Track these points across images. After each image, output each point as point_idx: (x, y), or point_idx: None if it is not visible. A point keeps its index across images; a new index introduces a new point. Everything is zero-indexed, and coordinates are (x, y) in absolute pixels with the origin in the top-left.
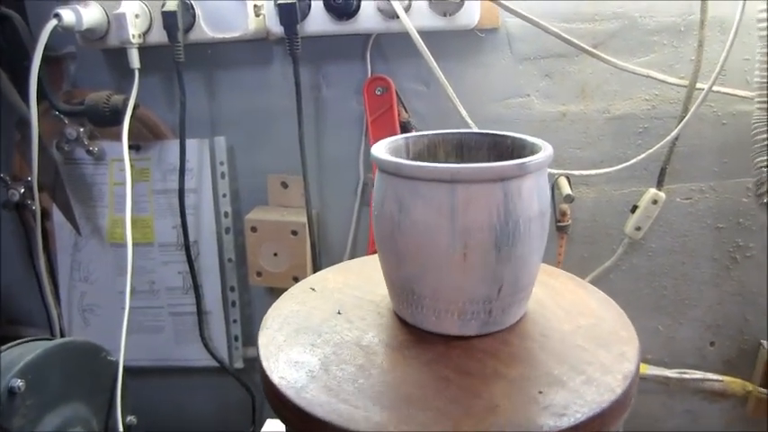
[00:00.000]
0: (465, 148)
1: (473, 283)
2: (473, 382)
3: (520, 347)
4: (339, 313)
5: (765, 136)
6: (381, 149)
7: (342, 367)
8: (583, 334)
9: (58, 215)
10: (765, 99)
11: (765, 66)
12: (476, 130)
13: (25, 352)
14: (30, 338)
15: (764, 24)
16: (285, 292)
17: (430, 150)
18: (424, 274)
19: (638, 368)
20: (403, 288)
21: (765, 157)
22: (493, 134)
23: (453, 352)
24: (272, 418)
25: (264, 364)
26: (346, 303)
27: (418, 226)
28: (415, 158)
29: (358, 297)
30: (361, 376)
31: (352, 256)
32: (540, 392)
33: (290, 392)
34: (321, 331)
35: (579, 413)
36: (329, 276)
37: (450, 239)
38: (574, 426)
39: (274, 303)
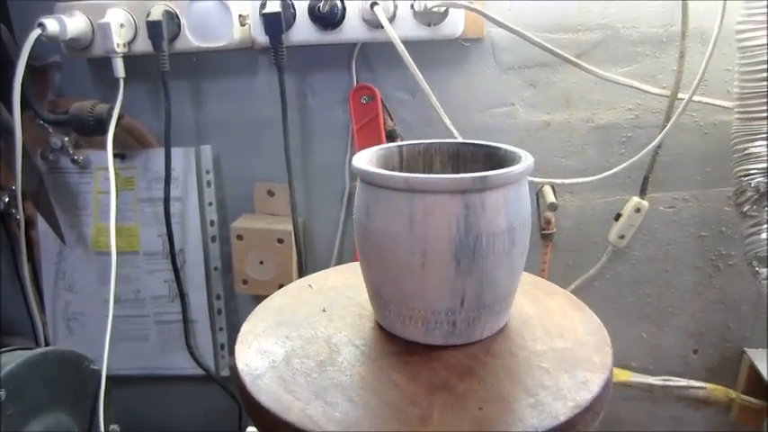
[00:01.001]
0: (461, 158)
1: (433, 292)
2: (418, 390)
3: (481, 362)
4: (324, 311)
5: (744, 146)
6: (366, 157)
7: (303, 361)
8: (553, 356)
9: (42, 224)
10: (745, 109)
11: (744, 76)
12: (472, 140)
13: (6, 362)
14: (11, 348)
15: (743, 36)
16: (283, 287)
17: (425, 159)
18: (389, 281)
19: (599, 397)
20: (374, 292)
21: (744, 167)
22: (488, 145)
23: (413, 359)
24: (251, 426)
25: (237, 349)
26: (335, 303)
27: (380, 233)
28: (407, 167)
29: (349, 297)
30: (317, 371)
31: (338, 264)
32: (480, 409)
33: (247, 378)
34: (300, 326)
35: None
36: (330, 275)
37: (409, 248)
38: None
39: (269, 296)
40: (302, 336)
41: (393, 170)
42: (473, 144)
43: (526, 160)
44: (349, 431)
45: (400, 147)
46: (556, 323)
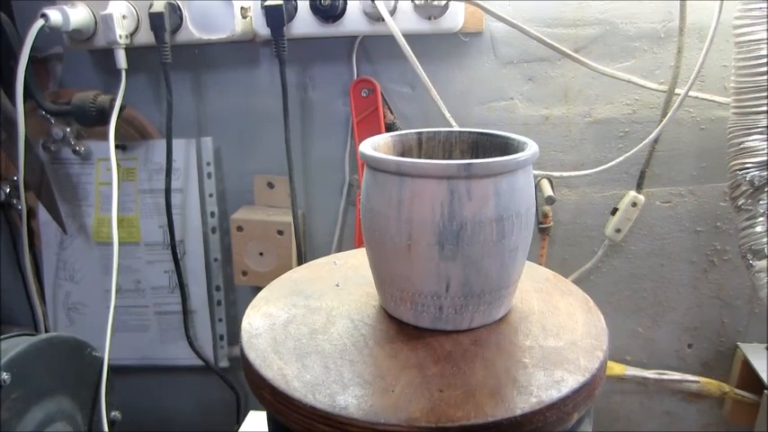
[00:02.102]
0: (480, 148)
1: (419, 275)
2: (392, 366)
3: (462, 350)
4: (337, 285)
5: (740, 141)
6: (382, 142)
7: (299, 327)
8: (538, 354)
9: (43, 214)
10: (741, 104)
11: (741, 71)
12: (490, 131)
13: (11, 346)
14: (14, 333)
15: (740, 31)
16: (312, 261)
17: (445, 148)
18: (382, 261)
19: (569, 398)
20: (373, 272)
21: (740, 161)
22: (503, 136)
23: (399, 338)
24: (255, 410)
25: (247, 311)
26: (350, 280)
27: (375, 213)
28: (426, 154)
29: (364, 276)
30: (307, 337)
31: None
32: (441, 391)
33: (245, 337)
34: (310, 296)
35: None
36: (357, 254)
37: (397, 230)
38: (443, 428)
39: (296, 267)
40: (308, 305)
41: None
42: (490, 134)
43: (524, 152)
44: (312, 393)
45: (419, 134)
46: (557, 323)
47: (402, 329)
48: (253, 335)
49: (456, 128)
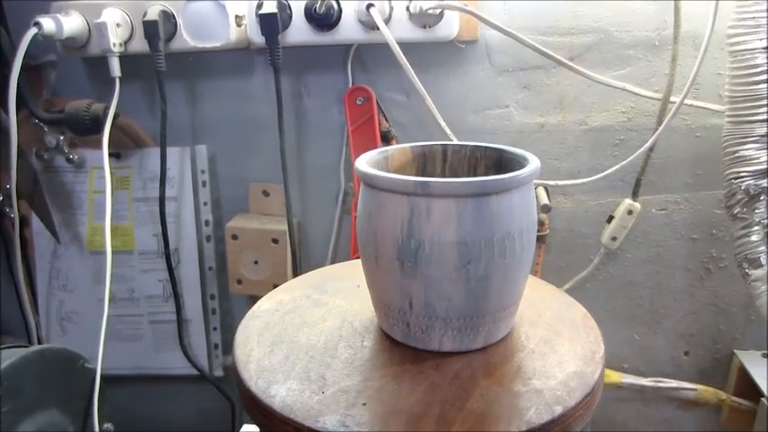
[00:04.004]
0: (503, 165)
1: (386, 288)
2: (340, 366)
3: (414, 372)
4: (358, 287)
5: (735, 149)
6: (402, 154)
7: (295, 317)
8: (491, 397)
9: (36, 223)
10: (735, 113)
11: (735, 80)
12: (511, 149)
13: (2, 358)
14: (6, 345)
15: (734, 40)
16: (347, 261)
17: (470, 163)
18: (365, 269)
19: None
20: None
21: (735, 170)
22: (521, 155)
23: (367, 344)
24: (247, 423)
25: (270, 292)
26: None
27: (357, 222)
28: (450, 168)
29: None
30: (293, 327)
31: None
32: (363, 405)
33: (248, 315)
34: (326, 292)
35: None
36: None
37: (367, 241)
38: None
39: (341, 263)
40: (318, 300)
41: (433, 172)
42: (511, 152)
43: (498, 177)
44: (257, 377)
45: (444, 147)
46: (540, 367)
47: (381, 337)
48: (254, 316)
49: (482, 143)
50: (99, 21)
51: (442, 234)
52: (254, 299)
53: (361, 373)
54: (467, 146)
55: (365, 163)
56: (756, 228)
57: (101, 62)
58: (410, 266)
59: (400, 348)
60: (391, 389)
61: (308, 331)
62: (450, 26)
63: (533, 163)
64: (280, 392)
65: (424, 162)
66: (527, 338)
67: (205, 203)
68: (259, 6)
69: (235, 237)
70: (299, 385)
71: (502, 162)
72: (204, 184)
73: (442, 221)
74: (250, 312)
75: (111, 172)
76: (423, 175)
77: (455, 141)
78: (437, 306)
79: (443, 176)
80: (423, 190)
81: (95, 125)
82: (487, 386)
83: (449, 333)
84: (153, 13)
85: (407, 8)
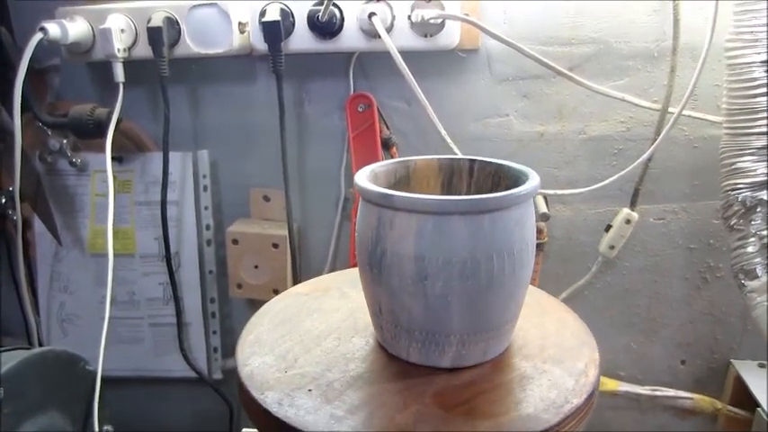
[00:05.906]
0: (521, 184)
1: (364, 289)
2: (320, 360)
3: (382, 371)
4: None
5: (732, 161)
6: (428, 165)
7: (301, 309)
8: (456, 408)
9: (39, 225)
10: (733, 125)
11: (732, 93)
12: (528, 170)
13: (3, 361)
14: (8, 347)
15: (731, 54)
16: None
17: (494, 180)
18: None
19: None
20: None
21: (732, 182)
22: (530, 176)
23: (356, 342)
24: (248, 428)
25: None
26: None
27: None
28: (476, 184)
29: None
30: (293, 320)
31: (332, 270)
32: (310, 391)
33: (262, 303)
34: (342, 293)
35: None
36: None
37: (356, 244)
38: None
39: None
40: (335, 296)
41: (459, 185)
42: (528, 174)
43: (470, 197)
44: (248, 360)
45: (471, 162)
46: (515, 397)
47: (371, 336)
48: (271, 305)
49: (507, 162)
50: (104, 26)
51: (401, 246)
52: (253, 303)
53: (333, 369)
54: (492, 163)
55: (367, 173)
56: (752, 239)
57: (105, 67)
58: (377, 273)
59: (380, 350)
60: (352, 393)
61: (307, 323)
62: (452, 35)
63: (524, 188)
64: (255, 364)
65: (450, 175)
66: (507, 370)
67: (206, 208)
68: (262, 14)
69: (235, 241)
70: (276, 373)
71: (519, 181)
72: (206, 188)
73: (402, 234)
74: (272, 300)
75: (113, 175)
76: (448, 188)
77: (482, 158)
78: (400, 315)
79: (468, 191)
80: (387, 202)
81: (98, 129)
82: (422, 409)
83: (413, 345)
84: (157, 20)
85: (409, 17)
